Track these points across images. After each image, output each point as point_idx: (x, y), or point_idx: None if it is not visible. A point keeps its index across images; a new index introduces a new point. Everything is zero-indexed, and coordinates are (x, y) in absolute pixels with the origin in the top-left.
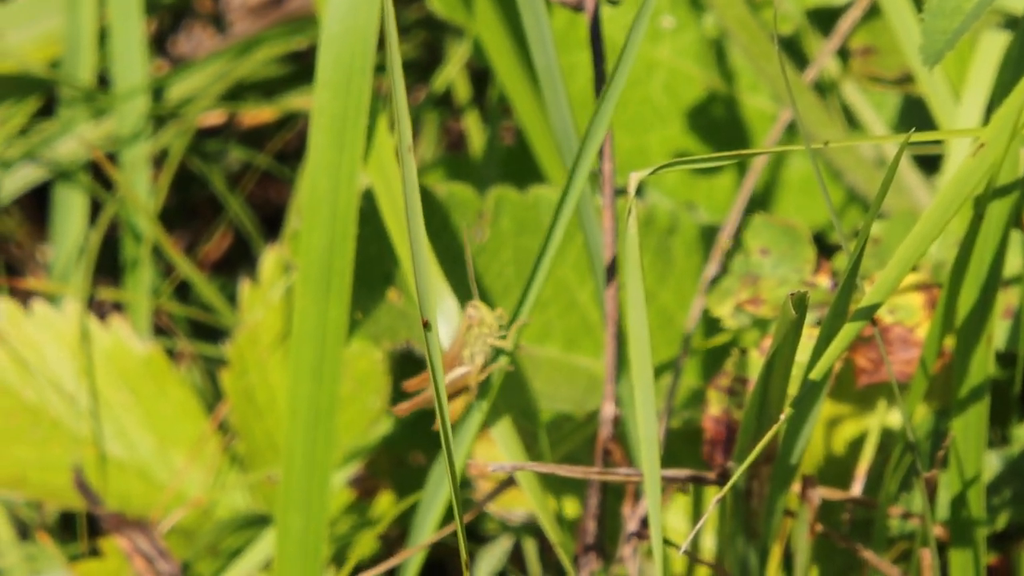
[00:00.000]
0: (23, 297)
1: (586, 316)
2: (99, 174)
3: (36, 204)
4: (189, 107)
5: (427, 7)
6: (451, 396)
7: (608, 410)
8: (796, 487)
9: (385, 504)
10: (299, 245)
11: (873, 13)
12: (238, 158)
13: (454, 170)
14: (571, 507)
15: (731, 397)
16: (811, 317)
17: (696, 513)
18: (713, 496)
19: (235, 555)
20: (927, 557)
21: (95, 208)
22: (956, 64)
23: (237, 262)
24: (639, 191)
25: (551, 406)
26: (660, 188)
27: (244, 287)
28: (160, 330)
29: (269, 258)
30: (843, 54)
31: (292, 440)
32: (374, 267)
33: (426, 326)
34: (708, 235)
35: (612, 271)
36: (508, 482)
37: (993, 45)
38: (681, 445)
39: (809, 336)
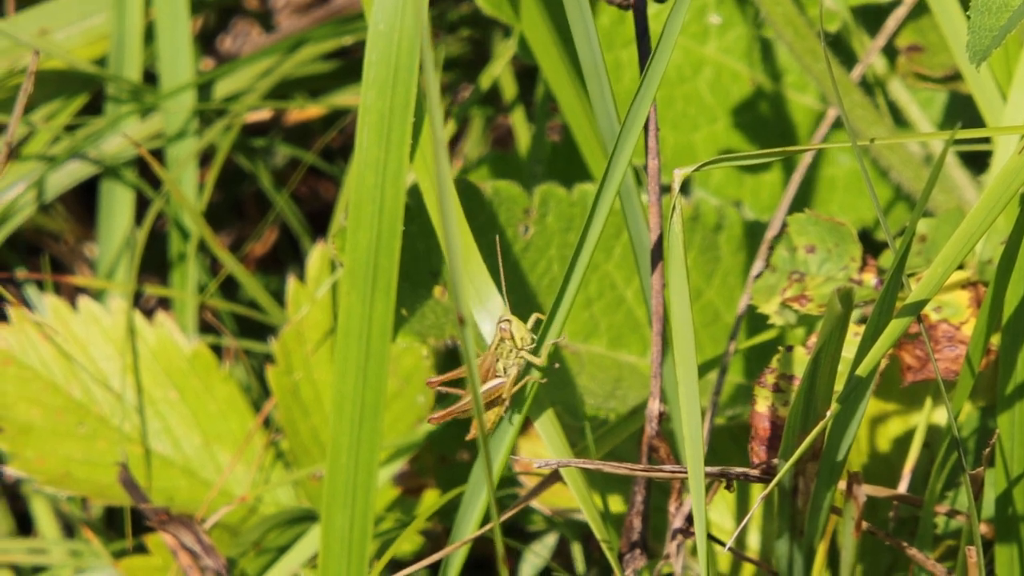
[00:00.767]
0: (70, 294)
1: (632, 313)
2: (146, 171)
3: (83, 201)
4: (235, 104)
5: (474, 4)
6: (486, 404)
7: (654, 407)
8: (842, 485)
9: (430, 501)
10: (345, 242)
11: (920, 11)
12: (284, 155)
13: (500, 167)
14: (616, 504)
15: (777, 394)
16: (857, 314)
17: (741, 510)
18: (759, 493)
19: (281, 551)
20: (973, 555)
21: (142, 205)
22: (1003, 62)
23: (283, 259)
24: (685, 188)
25: (596, 403)
26: (706, 185)
27: (290, 284)
28: (206, 327)
29: (315, 255)
30: (890, 52)
31: (337, 437)
32: (420, 264)
33: (461, 322)
34: (754, 232)
35: (658, 268)
36: (553, 478)
37: None
38: (727, 442)
39: (855, 333)
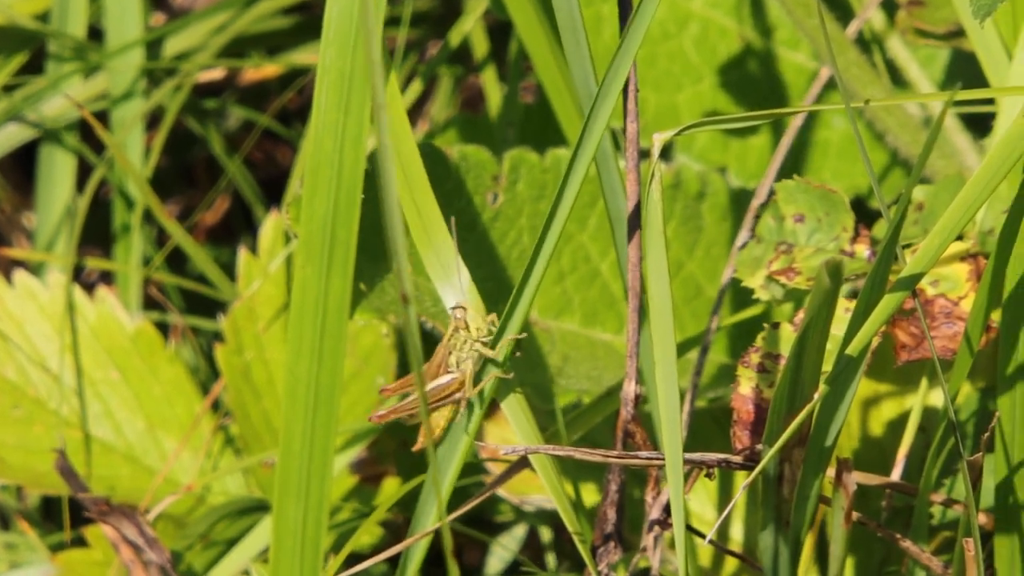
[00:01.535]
0: (5, 267)
1: (607, 287)
2: (89, 135)
3: (21, 167)
4: (186, 63)
5: None
6: (435, 405)
7: (629, 388)
8: (831, 472)
9: (390, 490)
10: (301, 212)
11: None
12: (238, 118)
13: (469, 131)
14: (589, 493)
15: (762, 375)
16: (848, 288)
17: (723, 500)
18: (742, 482)
19: (230, 544)
20: (971, 547)
21: (84, 171)
22: (1009, 17)
23: (235, 230)
24: (666, 153)
25: (568, 384)
26: (689, 150)
27: (242, 257)
28: (151, 303)
29: (269, 225)
30: (889, 6)
31: (291, 421)
32: (381, 236)
33: (404, 301)
34: (740, 200)
35: (635, 239)
36: (521, 465)
37: None
38: (708, 426)
39: (845, 309)
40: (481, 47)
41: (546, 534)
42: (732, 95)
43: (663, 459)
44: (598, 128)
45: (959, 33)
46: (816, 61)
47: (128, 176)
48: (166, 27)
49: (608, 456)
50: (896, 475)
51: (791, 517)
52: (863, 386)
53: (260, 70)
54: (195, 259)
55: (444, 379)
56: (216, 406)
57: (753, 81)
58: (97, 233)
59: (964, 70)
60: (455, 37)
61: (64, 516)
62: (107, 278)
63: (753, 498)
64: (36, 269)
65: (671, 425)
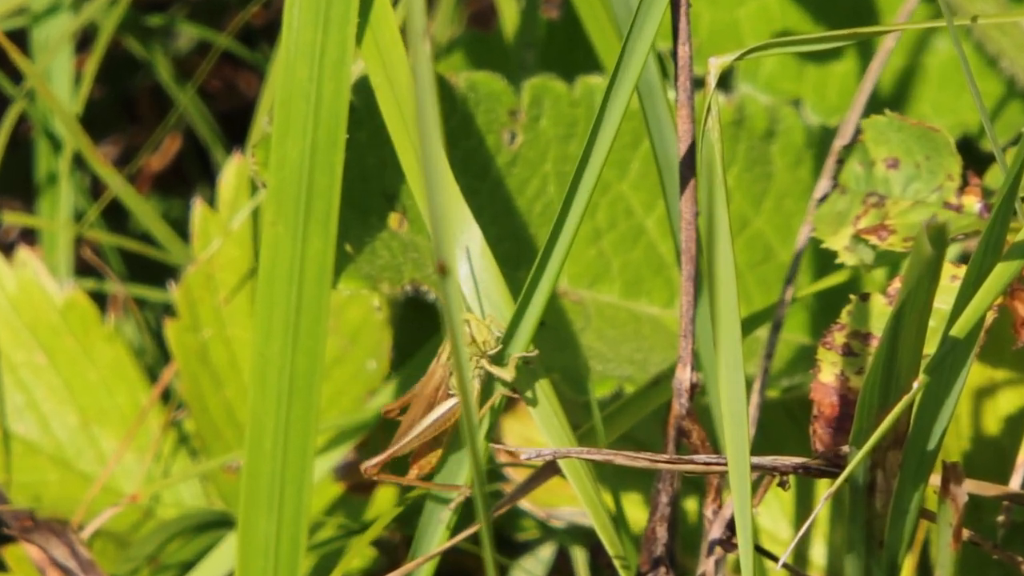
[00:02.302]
0: None
1: (654, 249)
2: (4, 61)
3: None
4: None
5: None
6: (431, 444)
7: (683, 376)
8: (934, 480)
9: (385, 502)
10: (270, 154)
11: None
12: (190, 38)
13: (479, 53)
14: (634, 506)
15: (848, 359)
16: (955, 251)
17: (800, 515)
18: (823, 491)
19: (184, 569)
20: None
21: None
22: None
23: (188, 177)
24: (725, 81)
25: (607, 369)
26: (754, 79)
27: (197, 211)
28: (85, 268)
29: (230, 172)
30: None
31: (260, 415)
32: (371, 184)
33: (442, 271)
34: (819, 141)
35: (689, 189)
36: (548, 472)
37: None
38: (781, 423)
39: (952, 277)
40: None
41: (580, 557)
42: (807, 10)
43: (725, 464)
44: (640, 50)
45: None
46: None
47: (54, 111)
48: None
49: (657, 461)
50: (1016, 483)
51: (885, 536)
52: (975, 373)
53: None
54: (138, 214)
55: (446, 406)
56: (167, 396)
57: None
58: (16, 182)
59: None
60: None
61: None
62: (29, 237)
63: (838, 512)
64: None
65: (736, 421)
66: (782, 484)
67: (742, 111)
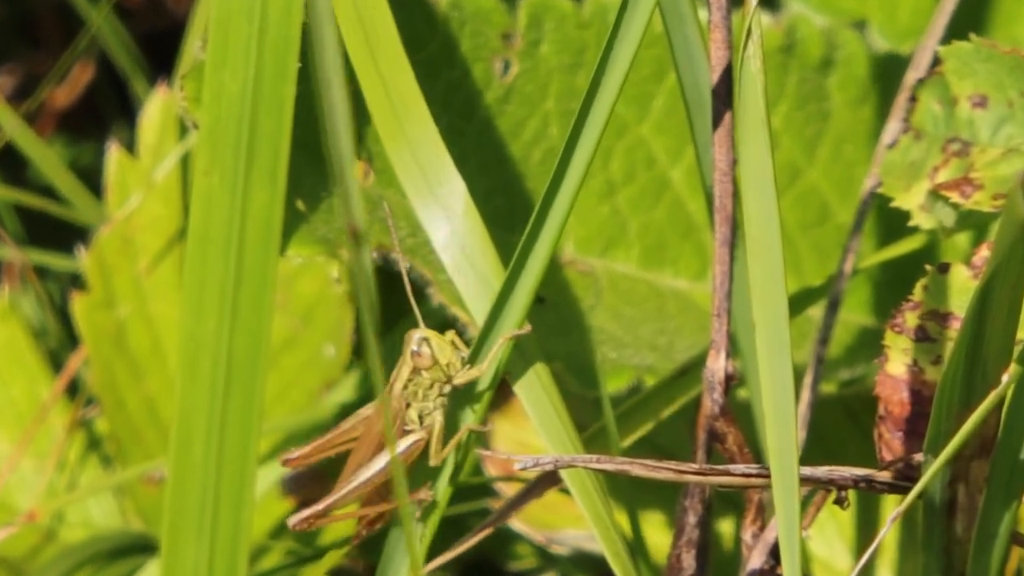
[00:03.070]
0: None
1: (681, 207)
2: None
3: None
4: None
5: None
6: (382, 492)
7: (717, 365)
8: None
9: (345, 522)
10: (203, 87)
11: None
12: None
13: None
14: (654, 529)
15: (922, 345)
16: None
17: (862, 540)
18: (891, 511)
19: None
20: None
21: None
22: None
23: (102, 115)
24: None
25: (622, 357)
26: None
27: (112, 157)
28: None
29: (154, 109)
30: None
31: (190, 414)
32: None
33: (353, 238)
34: (887, 73)
35: (724, 131)
36: (547, 485)
37: None
38: (838, 424)
39: None
40: None
41: None
42: None
43: (768, 476)
44: None
45: None
46: None
47: None
48: None
49: (683, 471)
50: None
51: (968, 567)
52: None
53: None
54: (39, 162)
55: (407, 442)
56: (73, 389)
57: None
58: None
59: None
60: None
61: None
62: None
63: (909, 537)
64: None
65: (781, 422)
66: (839, 501)
67: (792, 35)
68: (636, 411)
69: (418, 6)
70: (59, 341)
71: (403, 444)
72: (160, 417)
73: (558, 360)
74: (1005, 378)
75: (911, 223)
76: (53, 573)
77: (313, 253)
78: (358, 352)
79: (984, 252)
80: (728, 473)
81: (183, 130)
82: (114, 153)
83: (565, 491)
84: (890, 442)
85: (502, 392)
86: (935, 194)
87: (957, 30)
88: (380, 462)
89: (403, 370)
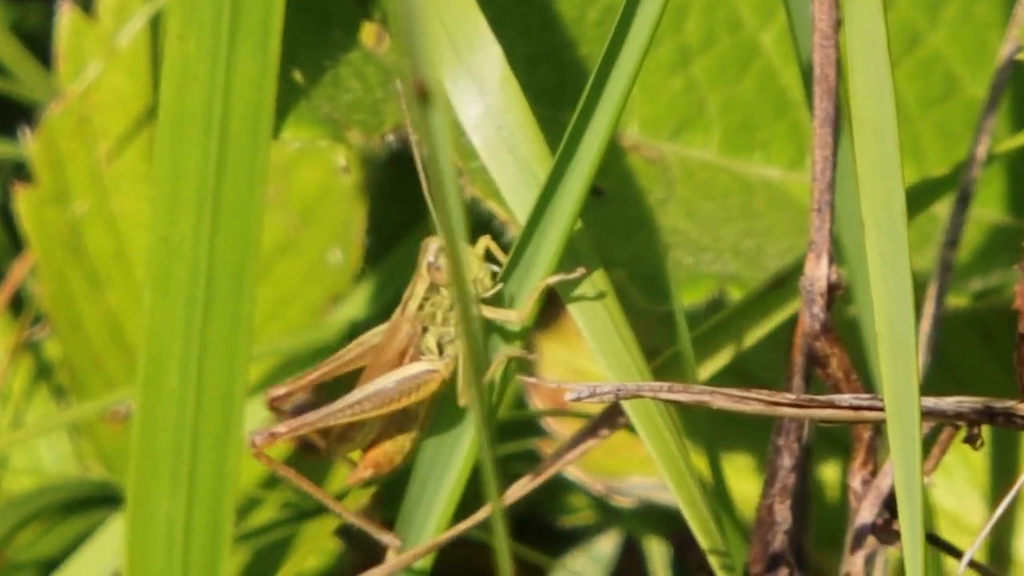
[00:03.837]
0: None
1: (773, 79)
2: None
3: None
4: None
5: None
6: (396, 425)
7: (817, 273)
8: None
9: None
10: None
11: None
12: None
13: None
14: (740, 474)
15: None
16: None
17: (998, 488)
18: None
19: (45, 571)
20: None
21: None
22: None
23: None
24: None
25: (700, 264)
26: None
27: (64, 19)
28: None
29: None
30: None
31: (161, 335)
32: None
33: (421, 96)
34: None
35: None
36: (608, 421)
37: None
38: (969, 346)
39: None
40: None
41: (656, 553)
42: None
43: (882, 408)
44: None
45: None
46: None
47: None
48: None
49: (777, 403)
50: None
51: None
52: None
53: None
54: None
55: (413, 370)
56: (17, 304)
57: None
58: None
59: None
60: None
61: None
62: None
63: None
64: None
65: (898, 343)
66: (971, 440)
67: None
68: (717, 330)
69: None
70: (2, 246)
71: (413, 371)
72: (125, 339)
73: (620, 267)
74: None
75: None
76: None
77: (314, 136)
78: (370, 258)
79: None
80: (832, 405)
81: None
82: (67, 13)
83: (630, 429)
84: None
85: (551, 307)
86: None
87: None
88: (383, 384)
89: (418, 286)
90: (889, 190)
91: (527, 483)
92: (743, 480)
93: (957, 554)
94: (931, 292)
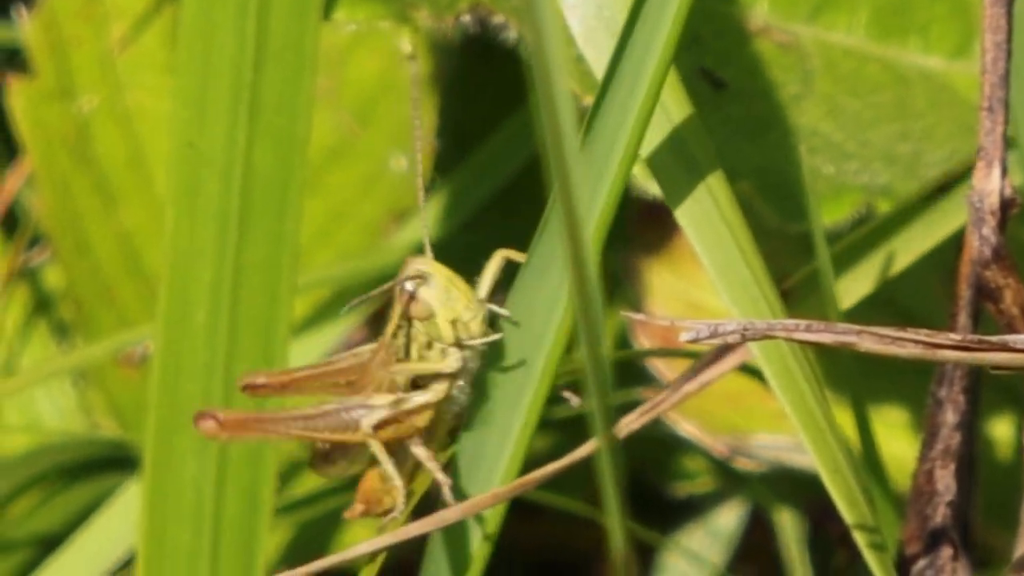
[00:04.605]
0: None
1: None
2: None
3: None
4: None
5: None
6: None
7: (988, 185)
8: None
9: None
10: None
11: None
12: None
13: None
14: (893, 433)
15: None
16: None
17: None
18: None
19: (43, 548)
20: None
21: None
22: None
23: None
24: None
25: (842, 172)
26: None
27: None
28: None
29: None
30: None
31: (187, 259)
32: None
33: None
34: None
35: None
36: (728, 364)
37: None
38: None
39: None
40: None
41: (789, 526)
42: None
43: None
44: None
45: None
46: None
47: None
48: None
49: (939, 345)
50: None
51: None
52: None
53: None
54: None
55: (354, 404)
56: (11, 222)
57: None
58: None
59: None
60: None
61: None
62: None
63: None
64: None
65: None
66: None
67: None
68: (864, 254)
69: None
70: None
71: (354, 405)
72: (142, 265)
73: (746, 176)
74: None
75: None
76: None
77: (374, 16)
78: (440, 166)
79: None
80: (1005, 347)
81: None
82: None
83: (757, 376)
84: None
85: (660, 227)
86: None
87: None
88: (334, 407)
89: (395, 307)
90: None
91: (628, 424)
92: (896, 440)
93: None
94: None
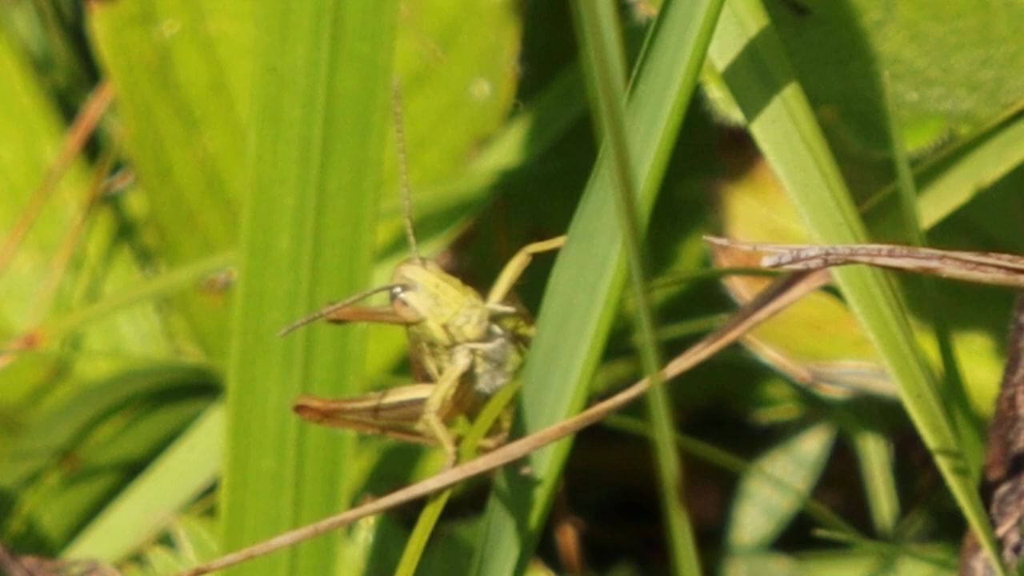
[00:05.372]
0: None
1: None
2: None
3: None
4: None
5: None
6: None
7: None
8: None
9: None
10: None
11: None
12: None
13: None
14: (978, 359)
15: None
16: None
17: None
18: None
19: (126, 474)
20: None
21: None
22: None
23: None
24: None
25: (925, 98)
26: None
27: None
28: None
29: None
30: None
31: (270, 186)
32: None
33: None
34: None
35: None
36: (809, 288)
37: None
38: None
39: None
40: None
41: (874, 452)
42: None
43: None
44: None
45: None
46: None
47: None
48: None
49: (1023, 269)
50: None
51: None
52: None
53: None
54: None
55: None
56: (93, 148)
57: None
58: None
59: None
60: None
61: None
62: None
63: None
64: None
65: None
66: None
67: None
68: (947, 178)
69: None
70: (70, 76)
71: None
72: (225, 190)
73: (828, 103)
74: None
75: None
76: (64, 427)
77: None
78: (524, 91)
79: None
80: None
81: None
82: None
83: (841, 300)
84: None
85: (743, 153)
86: None
87: None
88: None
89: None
90: None
91: (701, 350)
92: (979, 366)
93: None
94: None
